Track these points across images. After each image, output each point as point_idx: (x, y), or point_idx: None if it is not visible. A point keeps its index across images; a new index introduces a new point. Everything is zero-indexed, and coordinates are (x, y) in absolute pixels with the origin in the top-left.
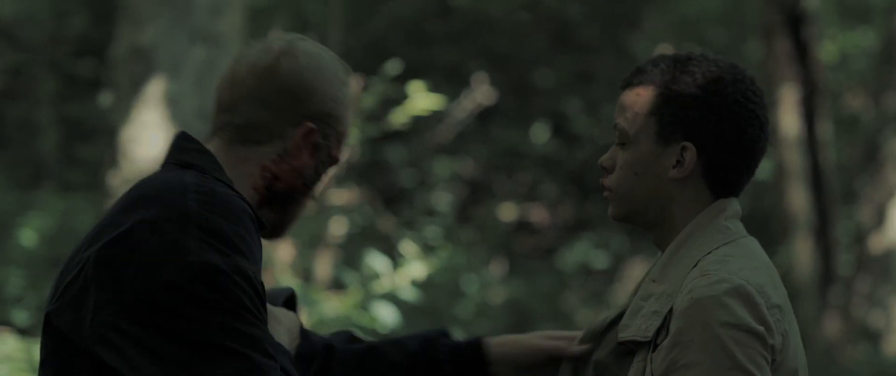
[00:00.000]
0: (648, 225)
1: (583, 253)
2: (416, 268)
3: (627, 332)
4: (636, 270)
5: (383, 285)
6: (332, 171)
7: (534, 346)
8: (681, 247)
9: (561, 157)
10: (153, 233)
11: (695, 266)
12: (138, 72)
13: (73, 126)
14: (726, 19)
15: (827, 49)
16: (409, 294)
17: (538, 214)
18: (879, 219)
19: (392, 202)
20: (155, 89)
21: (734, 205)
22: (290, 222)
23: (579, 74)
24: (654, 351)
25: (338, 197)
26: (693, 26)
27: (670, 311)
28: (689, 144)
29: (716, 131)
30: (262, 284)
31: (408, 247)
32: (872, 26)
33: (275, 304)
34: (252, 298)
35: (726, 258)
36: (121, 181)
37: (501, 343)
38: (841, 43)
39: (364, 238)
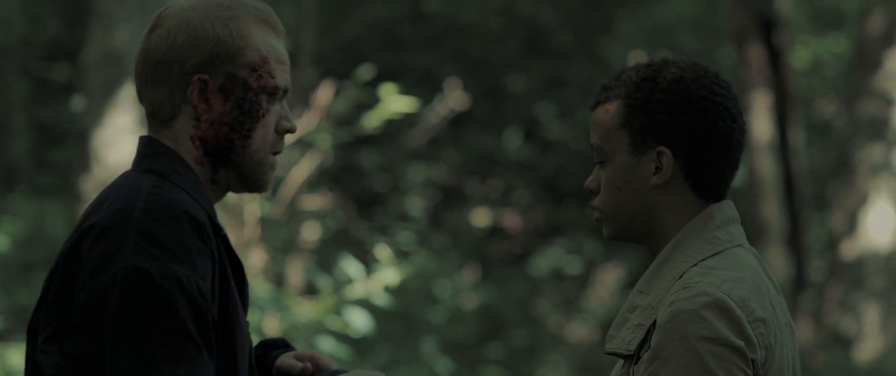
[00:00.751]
0: (641, 238)
1: (555, 258)
2: (389, 274)
3: (612, 344)
4: (608, 276)
5: (356, 290)
6: (282, 103)
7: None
8: (668, 258)
9: (534, 163)
10: (97, 242)
11: (680, 277)
12: (110, 76)
13: (45, 130)
14: (699, 25)
15: (799, 55)
16: (381, 299)
17: (511, 220)
18: (851, 225)
19: (365, 207)
20: (127, 93)
21: (725, 210)
22: (255, 169)
23: (552, 80)
24: (636, 363)
25: (310, 202)
26: (666, 32)
27: (653, 325)
28: (663, 148)
29: (687, 130)
30: (200, 290)
31: (381, 252)
32: (844, 32)
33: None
34: (183, 304)
35: (710, 270)
36: (93, 185)
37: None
38: (813, 49)
39: (337, 243)
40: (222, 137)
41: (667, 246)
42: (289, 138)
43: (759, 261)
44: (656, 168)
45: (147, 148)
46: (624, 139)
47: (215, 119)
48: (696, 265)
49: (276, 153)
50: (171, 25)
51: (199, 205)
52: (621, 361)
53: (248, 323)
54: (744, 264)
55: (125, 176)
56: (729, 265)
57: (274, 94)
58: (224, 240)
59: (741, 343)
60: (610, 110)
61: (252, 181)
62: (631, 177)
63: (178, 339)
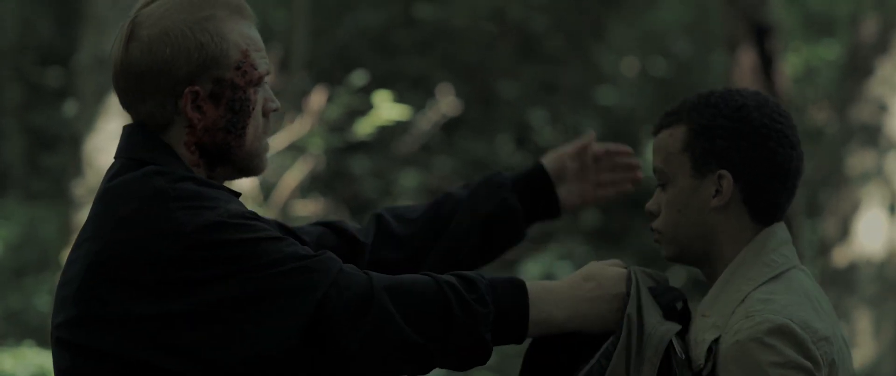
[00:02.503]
0: (698, 260)
1: (547, 264)
2: None
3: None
4: None
5: None
6: (264, 85)
7: (574, 147)
8: (729, 281)
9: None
10: (140, 224)
11: (743, 301)
12: (103, 81)
13: (38, 135)
14: (691, 31)
15: (791, 62)
16: None
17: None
18: (844, 232)
19: (357, 212)
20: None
21: (780, 233)
22: (251, 158)
23: (544, 85)
24: None
25: (302, 207)
26: (658, 38)
27: (716, 341)
28: (724, 172)
29: (748, 156)
30: (255, 214)
31: None
32: (837, 39)
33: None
34: (261, 226)
35: (770, 296)
36: (85, 190)
37: (552, 159)
38: (805, 55)
39: None
40: (219, 141)
41: (726, 269)
42: (281, 144)
43: (811, 280)
44: (716, 191)
45: (136, 136)
46: (686, 163)
47: (210, 125)
48: (756, 289)
49: (266, 134)
50: (151, 36)
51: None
52: None
53: None
54: (801, 286)
55: (120, 169)
56: (787, 288)
57: (259, 83)
58: None
59: (809, 364)
60: (673, 135)
61: (250, 170)
62: (691, 199)
63: (281, 243)
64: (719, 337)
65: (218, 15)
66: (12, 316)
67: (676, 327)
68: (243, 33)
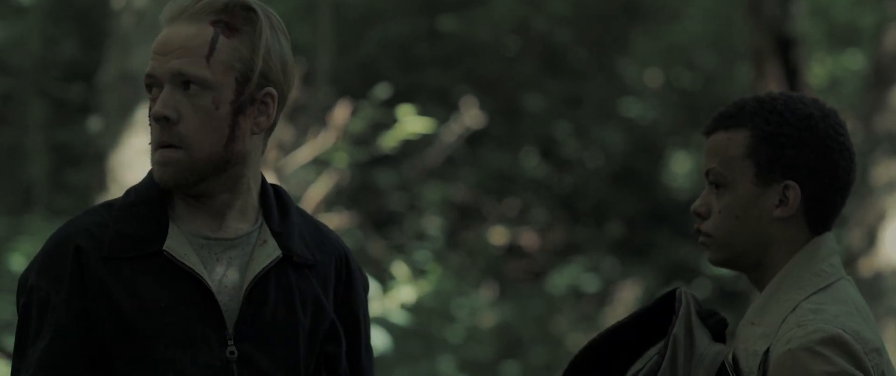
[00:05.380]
0: (748, 267)
1: (573, 276)
2: (407, 292)
3: None
4: (626, 293)
5: (374, 308)
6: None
7: None
8: (778, 289)
9: (551, 181)
10: None
11: (793, 310)
12: (127, 97)
13: (63, 151)
14: (715, 43)
15: (816, 72)
16: (399, 317)
17: (528, 238)
18: (870, 242)
19: (382, 226)
20: (144, 114)
21: (830, 243)
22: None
23: (568, 98)
24: None
25: (328, 221)
26: (682, 50)
27: (767, 352)
28: (791, 183)
29: (814, 167)
30: (43, 300)
31: (398, 270)
32: (861, 49)
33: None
34: (30, 310)
35: (821, 307)
36: None
37: None
38: (830, 66)
39: None
40: None
41: (775, 277)
42: (306, 158)
43: (856, 291)
44: (780, 201)
45: None
46: (749, 169)
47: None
48: (806, 299)
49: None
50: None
51: (112, 227)
52: None
53: (204, 335)
54: (850, 297)
55: None
56: (836, 298)
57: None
58: (155, 257)
59: (861, 374)
60: (733, 138)
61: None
62: (752, 207)
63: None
64: (770, 346)
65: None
66: None
67: (728, 349)
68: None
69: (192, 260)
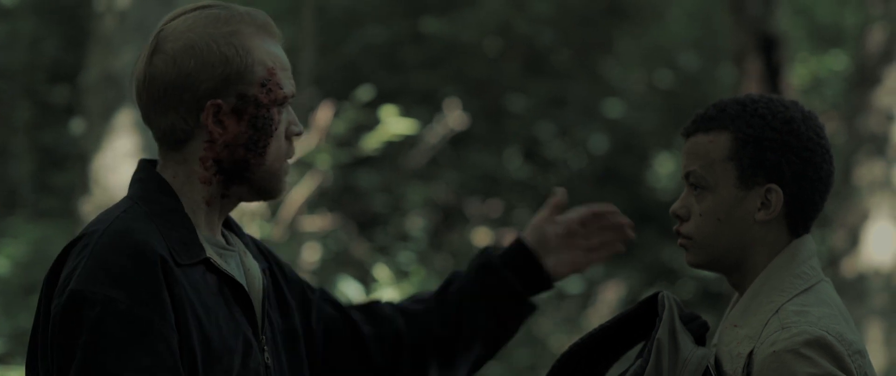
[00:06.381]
0: (728, 269)
1: None
2: (390, 293)
3: None
4: (610, 294)
5: None
6: (288, 108)
7: (548, 210)
8: (760, 292)
9: (535, 182)
10: (69, 262)
11: (776, 312)
12: (110, 98)
13: (46, 153)
14: (698, 44)
15: (798, 72)
16: None
17: (511, 239)
18: (853, 242)
19: (365, 227)
20: (127, 116)
21: (810, 245)
22: (270, 179)
23: (552, 99)
24: None
25: (310, 223)
26: (665, 51)
27: (751, 354)
28: (774, 186)
29: (796, 171)
30: (139, 318)
31: (381, 272)
32: (844, 49)
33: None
34: (116, 328)
35: (805, 308)
36: (93, 208)
37: (531, 229)
38: (812, 66)
39: (337, 263)
40: (238, 158)
41: (756, 279)
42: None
43: (835, 293)
44: (762, 204)
45: (135, 173)
46: (731, 172)
47: (231, 140)
48: (789, 301)
49: (288, 158)
50: (176, 49)
51: (164, 234)
52: None
53: (248, 342)
54: (831, 299)
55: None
56: (819, 300)
57: (283, 103)
58: (205, 265)
59: None
60: (715, 141)
61: (268, 191)
62: (734, 210)
63: (108, 361)
64: (754, 348)
65: (244, 31)
66: (21, 335)
67: (712, 352)
68: (270, 51)
69: (231, 268)
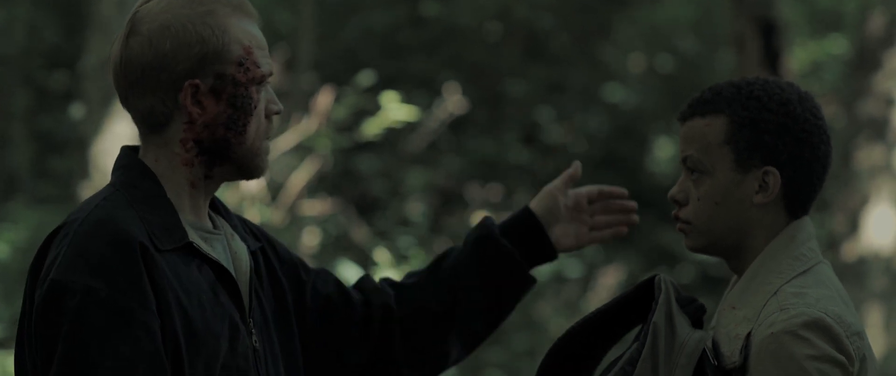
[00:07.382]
0: (727, 252)
1: (556, 262)
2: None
3: (725, 362)
4: (609, 279)
5: None
6: (267, 86)
7: (562, 180)
8: (758, 274)
9: (534, 167)
10: (51, 251)
11: (774, 293)
12: (109, 84)
13: (45, 138)
14: (697, 28)
15: (798, 57)
16: None
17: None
18: (852, 226)
19: (365, 212)
20: None
21: (809, 227)
22: (251, 158)
23: (551, 84)
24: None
25: (310, 207)
26: (664, 35)
27: (748, 336)
28: (771, 169)
29: (794, 153)
30: (119, 306)
31: (381, 256)
32: (844, 34)
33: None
34: (97, 317)
35: (803, 290)
36: (92, 193)
37: (542, 197)
38: (812, 51)
39: (337, 248)
40: (219, 137)
41: (754, 262)
42: (288, 144)
43: (834, 275)
44: (759, 186)
45: (117, 159)
46: (728, 155)
47: (210, 120)
48: (788, 283)
49: (267, 136)
50: (151, 31)
51: (145, 220)
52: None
53: (235, 326)
54: (830, 281)
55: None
56: (817, 281)
57: (261, 82)
58: (188, 249)
59: (843, 358)
60: (712, 125)
61: (250, 170)
62: (732, 193)
63: (90, 351)
64: (752, 330)
65: (219, 11)
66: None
67: (709, 335)
68: (246, 30)
69: (216, 252)
